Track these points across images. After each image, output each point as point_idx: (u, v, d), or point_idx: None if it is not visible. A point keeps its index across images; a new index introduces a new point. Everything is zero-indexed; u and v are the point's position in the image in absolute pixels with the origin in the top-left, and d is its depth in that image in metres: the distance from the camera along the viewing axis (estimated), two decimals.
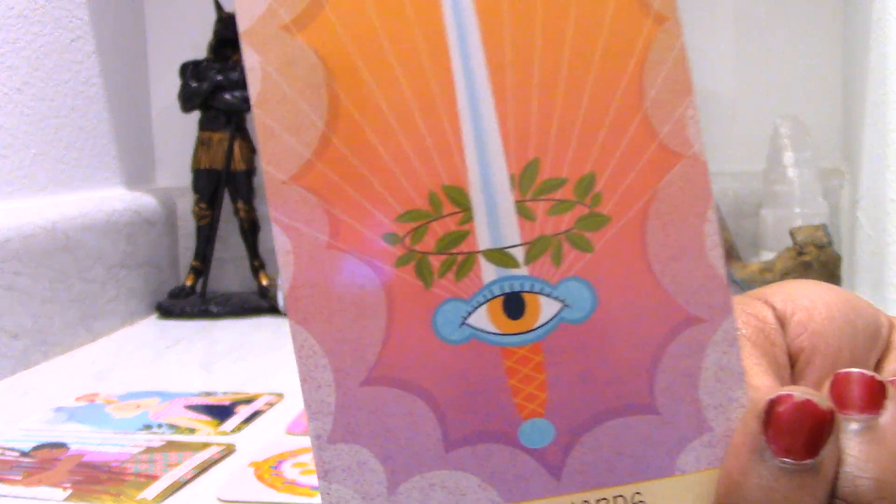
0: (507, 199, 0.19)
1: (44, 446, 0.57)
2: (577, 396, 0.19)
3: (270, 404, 0.65)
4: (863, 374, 0.20)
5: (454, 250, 0.19)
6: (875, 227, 0.81)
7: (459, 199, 0.19)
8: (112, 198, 0.97)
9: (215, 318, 0.98)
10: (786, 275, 0.83)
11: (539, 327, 0.19)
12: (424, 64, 0.19)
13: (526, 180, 0.19)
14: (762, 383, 0.21)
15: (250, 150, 1.04)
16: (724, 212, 0.97)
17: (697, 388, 0.20)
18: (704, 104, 1.01)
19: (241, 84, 1.01)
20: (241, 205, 1.03)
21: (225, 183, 1.02)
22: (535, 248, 0.19)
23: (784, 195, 0.90)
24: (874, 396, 0.19)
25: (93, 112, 0.98)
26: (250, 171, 1.04)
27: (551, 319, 0.19)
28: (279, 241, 0.19)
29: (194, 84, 1.01)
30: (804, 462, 0.18)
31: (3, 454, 0.56)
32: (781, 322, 0.23)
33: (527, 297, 0.19)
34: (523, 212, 0.19)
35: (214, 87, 1.01)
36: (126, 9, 1.07)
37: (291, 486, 0.49)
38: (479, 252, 0.19)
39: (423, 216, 0.19)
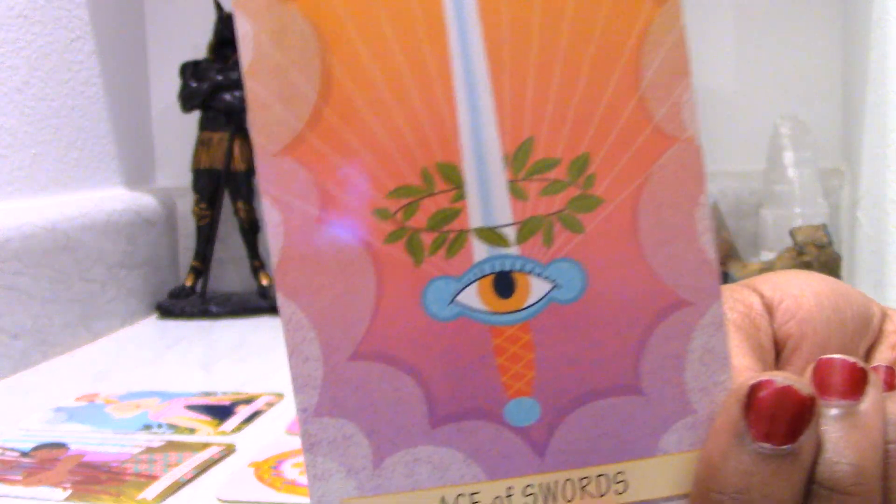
0: (500, 178, 0.19)
1: (44, 446, 0.57)
2: (563, 376, 0.20)
3: (270, 404, 0.65)
4: (845, 360, 0.20)
5: (445, 228, 0.19)
6: (875, 227, 0.81)
7: (452, 177, 0.19)
8: (112, 198, 0.97)
9: (215, 318, 0.98)
10: None
11: (529, 307, 0.19)
12: (420, 37, 0.19)
13: (519, 160, 0.19)
14: (742, 364, 0.21)
15: (250, 150, 1.04)
16: (724, 212, 0.97)
17: (683, 370, 0.20)
18: (704, 104, 1.01)
19: (241, 84, 1.01)
20: (241, 205, 1.03)
21: (225, 183, 1.02)
22: (526, 228, 0.19)
23: (784, 195, 0.90)
24: (855, 383, 0.20)
25: (93, 112, 0.98)
26: (250, 171, 1.04)
27: (541, 299, 0.19)
28: (269, 213, 0.19)
29: (194, 84, 1.01)
30: (783, 447, 0.19)
31: (3, 454, 0.56)
32: (769, 309, 0.23)
33: (517, 277, 0.19)
34: (516, 191, 0.19)
35: (214, 87, 1.01)
36: (126, 9, 1.07)
37: (291, 486, 0.49)
38: (470, 230, 0.19)
39: (416, 192, 0.19)
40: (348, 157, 0.19)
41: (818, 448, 0.19)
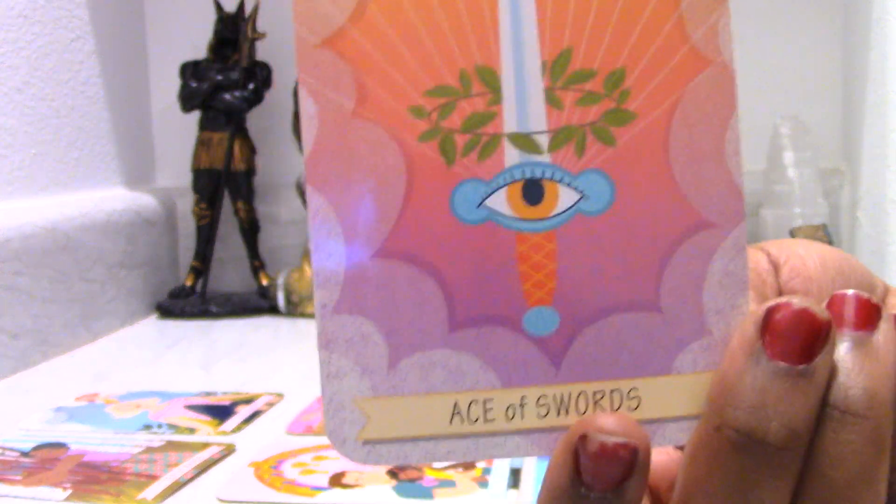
0: (537, 85, 0.19)
1: (44, 446, 0.57)
2: (584, 288, 0.20)
3: (270, 404, 0.65)
4: (859, 294, 0.20)
5: (479, 130, 0.19)
6: (875, 227, 0.81)
7: (490, 81, 0.19)
8: (112, 198, 0.97)
9: (215, 318, 0.98)
10: None
11: (556, 216, 0.19)
12: None
13: (558, 68, 0.19)
14: (748, 310, 0.21)
15: (250, 150, 1.04)
16: None
17: (702, 291, 0.20)
18: None
19: (241, 84, 1.01)
20: (241, 205, 1.03)
21: (225, 183, 1.02)
22: (559, 137, 0.19)
23: (784, 195, 0.90)
24: (869, 315, 0.20)
25: (93, 112, 0.98)
26: (250, 171, 1.04)
27: (568, 209, 0.19)
28: (305, 104, 0.19)
29: (194, 84, 1.01)
30: (798, 367, 0.19)
31: (3, 454, 0.56)
32: (775, 266, 0.23)
33: (546, 185, 0.19)
34: (552, 99, 0.19)
35: (214, 87, 1.01)
36: (126, 9, 1.07)
37: (291, 486, 0.49)
38: (504, 134, 0.19)
39: (453, 93, 0.19)
40: (389, 54, 0.19)
41: (833, 374, 0.20)
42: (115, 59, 1.03)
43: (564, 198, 0.19)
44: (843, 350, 0.20)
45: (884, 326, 0.20)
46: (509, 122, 0.19)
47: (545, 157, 0.19)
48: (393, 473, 0.51)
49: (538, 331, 0.20)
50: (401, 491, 0.48)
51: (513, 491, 0.48)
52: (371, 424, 0.20)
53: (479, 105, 0.19)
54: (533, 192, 0.19)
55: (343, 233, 0.19)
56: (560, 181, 0.19)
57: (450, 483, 0.49)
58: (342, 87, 0.19)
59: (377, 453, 0.20)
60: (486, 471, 0.51)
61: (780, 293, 0.23)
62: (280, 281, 0.98)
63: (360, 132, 0.19)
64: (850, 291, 0.21)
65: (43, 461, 0.54)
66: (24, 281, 0.79)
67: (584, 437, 0.19)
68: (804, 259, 0.23)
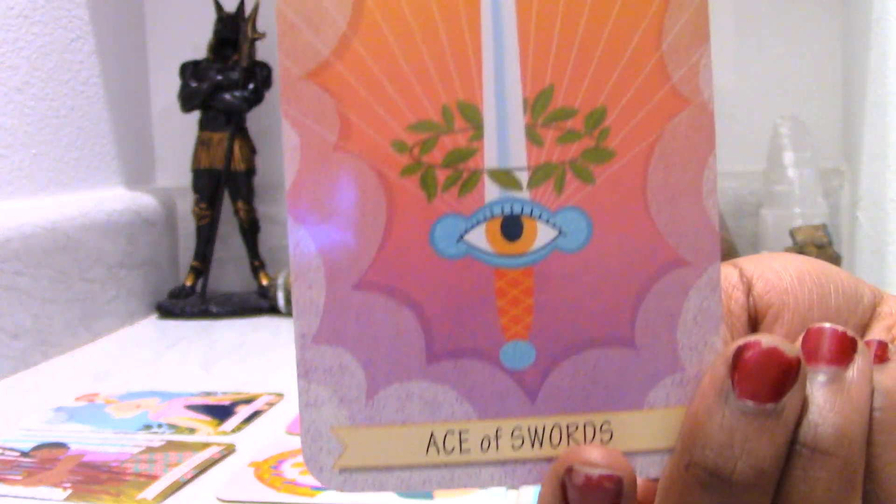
0: (518, 122, 0.19)
1: (44, 446, 0.57)
2: (561, 323, 0.20)
3: (270, 404, 0.65)
4: (834, 328, 0.21)
5: (460, 166, 0.19)
6: (875, 227, 0.81)
7: (472, 116, 0.19)
8: (112, 198, 0.97)
9: (215, 318, 0.98)
10: None
11: (533, 252, 0.20)
12: None
13: (539, 106, 0.19)
14: None
15: (250, 150, 1.04)
16: (724, 212, 0.97)
17: (676, 328, 0.20)
18: None
19: (241, 84, 1.01)
20: (241, 205, 1.03)
21: (225, 183, 1.02)
22: (539, 174, 0.19)
23: (784, 195, 0.90)
24: (844, 350, 0.20)
25: (93, 112, 0.98)
26: (250, 171, 1.04)
27: (546, 245, 0.20)
28: (288, 136, 0.19)
29: (194, 84, 1.01)
30: (766, 406, 0.19)
31: (3, 454, 0.56)
32: (748, 282, 0.23)
33: (525, 221, 0.20)
34: (532, 136, 0.19)
35: (214, 87, 1.01)
36: (126, 9, 1.07)
37: (291, 486, 0.49)
38: (484, 170, 0.19)
39: (435, 128, 0.19)
40: (372, 88, 0.19)
41: (804, 410, 0.20)
42: (115, 59, 1.03)
43: (542, 234, 0.20)
44: (815, 386, 0.20)
45: (858, 360, 0.20)
46: (490, 158, 0.19)
47: (525, 194, 0.19)
48: None
49: (514, 364, 0.20)
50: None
51: (513, 491, 0.48)
52: (348, 453, 0.20)
53: (460, 141, 0.19)
54: (512, 228, 0.20)
55: (323, 265, 0.20)
56: (539, 218, 0.20)
57: None
58: (325, 120, 0.19)
59: (353, 481, 0.20)
60: None
61: (756, 310, 0.23)
62: (280, 281, 0.98)
63: (343, 165, 0.19)
64: (827, 325, 0.21)
65: (43, 461, 0.54)
66: (24, 281, 0.79)
67: (570, 470, 0.20)
68: (779, 273, 0.23)
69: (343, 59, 0.19)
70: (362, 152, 0.19)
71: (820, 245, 0.82)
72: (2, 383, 0.74)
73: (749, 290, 0.23)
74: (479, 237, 0.20)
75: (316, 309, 0.20)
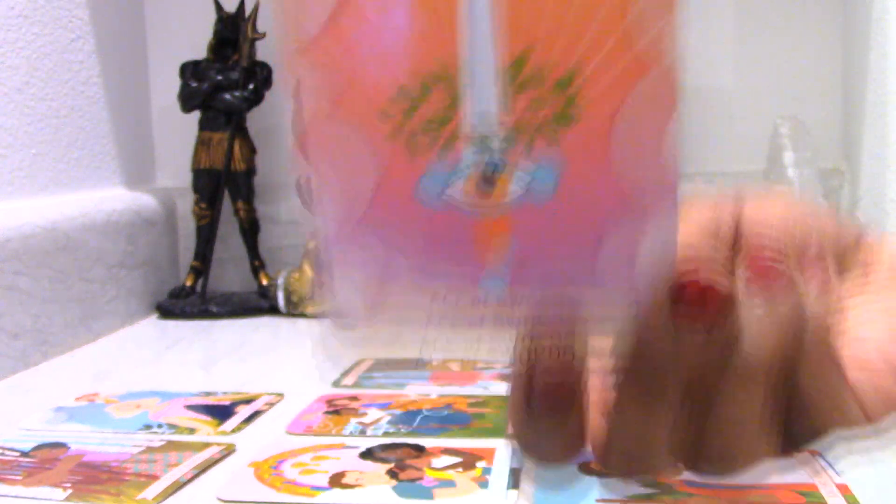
0: (491, 90, 0.22)
1: (44, 446, 0.57)
2: (532, 265, 0.23)
3: (270, 404, 0.65)
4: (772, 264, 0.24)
5: (439, 131, 0.22)
6: (875, 227, 0.81)
7: (448, 86, 0.21)
8: (112, 198, 0.97)
9: (215, 318, 0.98)
10: None
11: (506, 204, 0.23)
12: None
13: (511, 74, 0.21)
14: (691, 241, 0.25)
15: (250, 150, 1.04)
16: None
17: (634, 269, 0.23)
18: (704, 104, 1.01)
19: (241, 84, 1.01)
20: (241, 205, 1.03)
21: (225, 183, 1.02)
22: (510, 136, 0.22)
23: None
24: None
25: (93, 112, 0.98)
26: (250, 171, 1.04)
27: (518, 199, 0.22)
28: (290, 105, 0.22)
29: (194, 84, 1.01)
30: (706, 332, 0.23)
31: (3, 454, 0.56)
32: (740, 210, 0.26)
33: (498, 177, 0.22)
34: (504, 103, 0.22)
35: (214, 87, 1.01)
36: (126, 9, 1.07)
37: (291, 486, 0.49)
38: (461, 135, 0.22)
39: (414, 99, 0.22)
40: (357, 62, 0.22)
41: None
42: (115, 59, 1.03)
43: (514, 188, 0.22)
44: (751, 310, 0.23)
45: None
46: (465, 125, 0.22)
47: (497, 155, 0.22)
48: (393, 473, 0.51)
49: (491, 294, 0.23)
50: (401, 491, 0.48)
51: (513, 491, 0.48)
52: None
53: (438, 108, 0.22)
54: (487, 183, 0.22)
55: (331, 200, 0.23)
56: (510, 175, 0.22)
57: (450, 483, 0.49)
58: (319, 92, 0.22)
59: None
60: (486, 471, 0.51)
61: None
62: (280, 281, 0.98)
63: (335, 132, 0.22)
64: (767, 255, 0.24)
65: (43, 461, 0.54)
66: (24, 281, 0.79)
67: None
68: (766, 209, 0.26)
69: (331, 35, 0.21)
70: (352, 120, 0.22)
71: None
72: (2, 383, 0.74)
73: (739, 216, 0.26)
74: (458, 192, 0.22)
75: (329, 232, 0.23)
